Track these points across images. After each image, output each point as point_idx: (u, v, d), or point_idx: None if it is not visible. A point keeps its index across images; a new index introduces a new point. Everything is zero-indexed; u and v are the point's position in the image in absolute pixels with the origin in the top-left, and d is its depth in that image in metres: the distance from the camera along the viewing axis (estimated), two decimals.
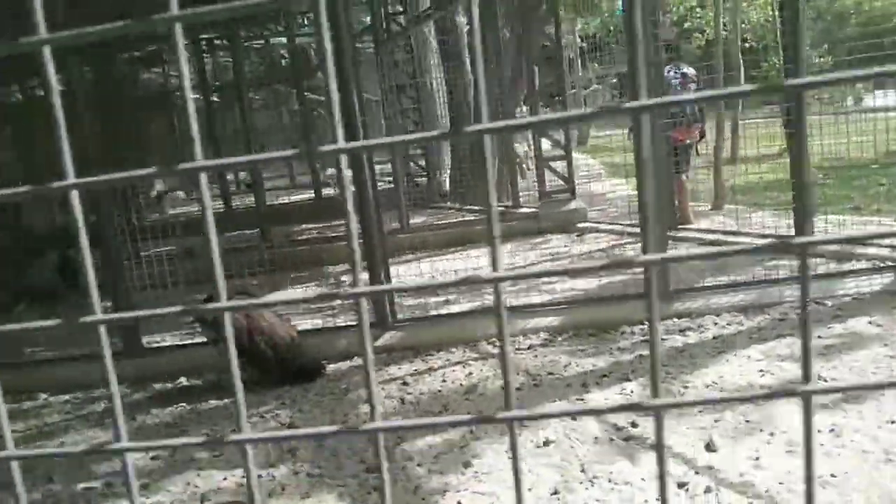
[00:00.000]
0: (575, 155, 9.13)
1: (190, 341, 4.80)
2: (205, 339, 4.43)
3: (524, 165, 10.94)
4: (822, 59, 16.45)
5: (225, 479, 3.03)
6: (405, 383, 3.94)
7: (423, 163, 11.61)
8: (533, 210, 8.36)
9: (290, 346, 4.22)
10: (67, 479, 3.23)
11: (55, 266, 7.20)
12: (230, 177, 13.22)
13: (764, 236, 5.60)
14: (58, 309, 6.60)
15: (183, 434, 3.60)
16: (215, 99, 13.22)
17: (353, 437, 3.20)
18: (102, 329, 0.51)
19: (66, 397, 4.44)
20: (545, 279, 5.83)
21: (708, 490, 2.38)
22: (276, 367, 4.15)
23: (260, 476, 3.01)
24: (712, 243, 6.08)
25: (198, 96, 12.23)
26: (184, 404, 4.04)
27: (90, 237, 0.51)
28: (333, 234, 8.72)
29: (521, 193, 8.82)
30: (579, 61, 19.60)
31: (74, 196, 0.49)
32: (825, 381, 3.17)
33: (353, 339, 4.56)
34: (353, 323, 4.89)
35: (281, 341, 4.17)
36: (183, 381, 4.41)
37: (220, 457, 3.23)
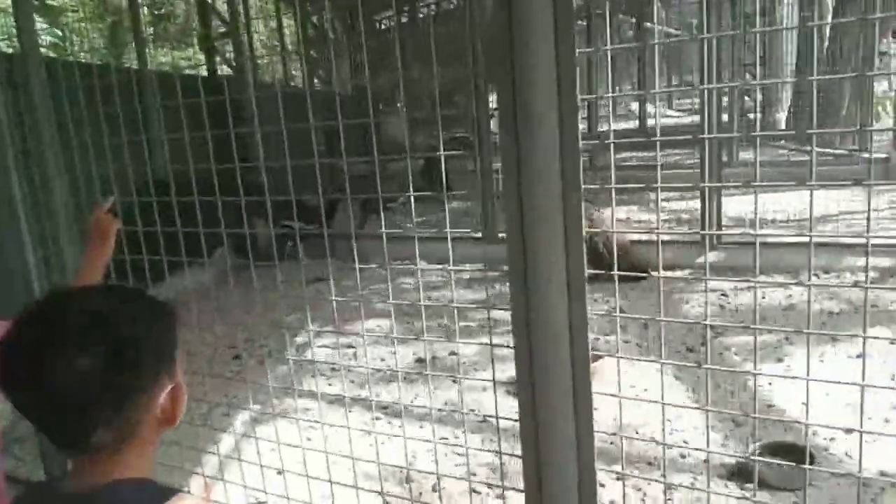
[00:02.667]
0: None
1: None
2: None
3: (881, 108, 9.94)
4: None
5: None
6: (725, 294, 4.39)
7: (759, 97, 11.17)
8: (884, 155, 7.75)
9: (622, 249, 4.89)
10: None
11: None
12: None
13: None
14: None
15: None
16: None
17: (676, 324, 3.81)
18: None
19: (439, 266, 5.75)
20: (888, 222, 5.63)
21: None
22: (607, 266, 4.88)
23: (597, 339, 3.80)
24: None
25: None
26: None
27: None
28: (657, 163, 9.10)
29: (874, 137, 8.20)
30: None
31: None
32: None
33: (676, 252, 5.09)
34: (677, 239, 5.41)
35: (613, 245, 4.87)
36: None
37: None
